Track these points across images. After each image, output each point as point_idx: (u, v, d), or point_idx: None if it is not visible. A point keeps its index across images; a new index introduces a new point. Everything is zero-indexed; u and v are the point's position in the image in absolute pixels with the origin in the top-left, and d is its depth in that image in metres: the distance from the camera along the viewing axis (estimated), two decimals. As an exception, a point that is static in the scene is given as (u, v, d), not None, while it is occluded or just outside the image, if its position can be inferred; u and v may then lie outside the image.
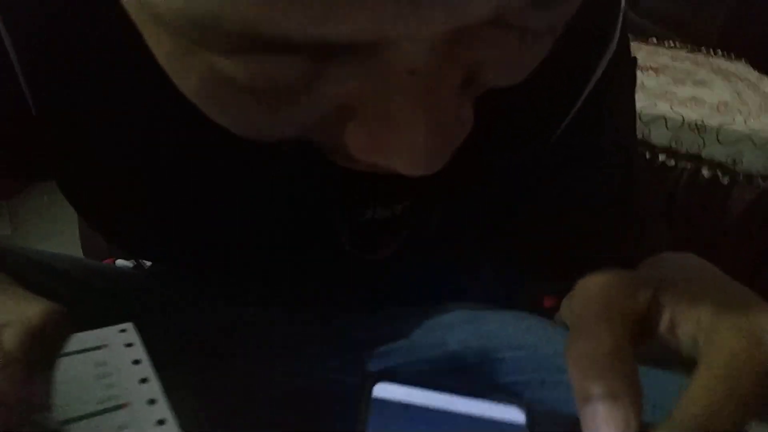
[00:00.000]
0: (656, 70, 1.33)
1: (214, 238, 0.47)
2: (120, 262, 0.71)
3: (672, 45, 1.71)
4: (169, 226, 0.45)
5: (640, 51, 1.59)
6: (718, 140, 1.03)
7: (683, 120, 1.03)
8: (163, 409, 0.32)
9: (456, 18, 0.18)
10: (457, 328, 0.58)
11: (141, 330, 0.37)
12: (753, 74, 1.57)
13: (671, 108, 1.05)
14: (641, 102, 1.06)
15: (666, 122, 1.04)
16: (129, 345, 0.36)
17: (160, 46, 0.22)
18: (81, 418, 0.31)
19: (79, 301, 0.54)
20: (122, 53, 0.33)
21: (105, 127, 0.39)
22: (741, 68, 1.60)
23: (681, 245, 1.21)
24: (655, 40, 1.72)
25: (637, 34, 1.67)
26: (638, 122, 1.04)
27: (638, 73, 1.31)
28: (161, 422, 0.31)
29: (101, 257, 1.17)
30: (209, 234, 0.46)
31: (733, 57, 1.70)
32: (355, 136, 0.24)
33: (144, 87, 0.35)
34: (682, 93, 1.15)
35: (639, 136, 1.04)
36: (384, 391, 0.35)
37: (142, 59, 0.24)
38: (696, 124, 1.03)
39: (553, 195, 0.52)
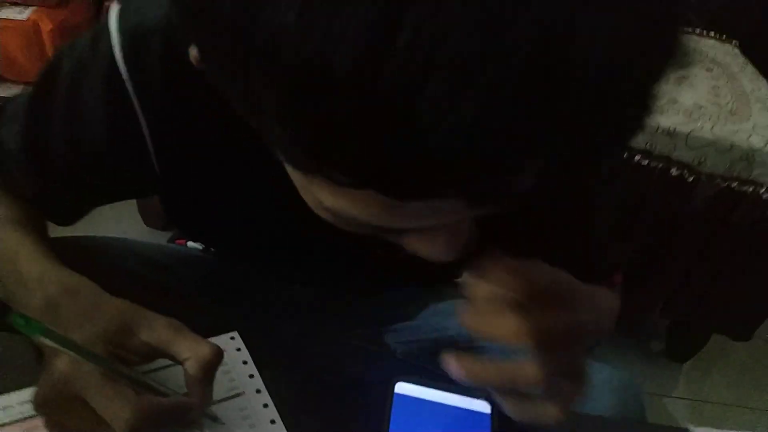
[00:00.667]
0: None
1: (256, 231, 0.63)
2: (191, 244, 0.89)
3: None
4: (229, 226, 0.63)
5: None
6: (686, 144, 1.19)
7: (658, 126, 1.18)
8: (265, 396, 0.51)
9: (461, 216, 0.36)
10: (455, 317, 0.75)
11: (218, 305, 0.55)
12: (739, 61, 1.68)
13: (648, 115, 1.19)
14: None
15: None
16: (238, 349, 0.55)
17: (307, 196, 0.40)
18: (219, 401, 0.50)
19: (166, 282, 0.73)
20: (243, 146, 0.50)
21: (205, 177, 0.56)
22: (729, 53, 1.71)
23: (650, 233, 1.39)
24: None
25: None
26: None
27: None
28: (265, 405, 0.51)
29: (158, 224, 1.35)
30: (256, 229, 0.62)
31: (724, 38, 1.81)
32: (408, 244, 0.42)
33: (245, 159, 0.51)
34: (661, 94, 1.29)
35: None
36: (401, 387, 0.54)
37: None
38: (669, 131, 1.18)
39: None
